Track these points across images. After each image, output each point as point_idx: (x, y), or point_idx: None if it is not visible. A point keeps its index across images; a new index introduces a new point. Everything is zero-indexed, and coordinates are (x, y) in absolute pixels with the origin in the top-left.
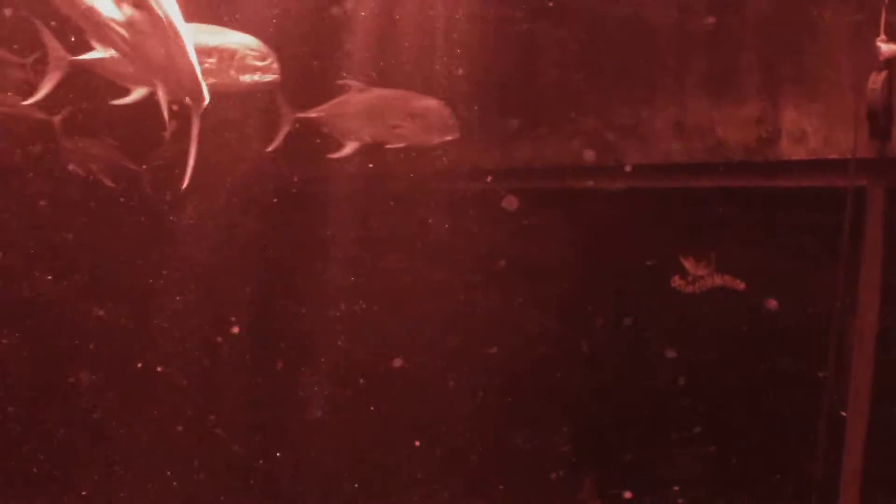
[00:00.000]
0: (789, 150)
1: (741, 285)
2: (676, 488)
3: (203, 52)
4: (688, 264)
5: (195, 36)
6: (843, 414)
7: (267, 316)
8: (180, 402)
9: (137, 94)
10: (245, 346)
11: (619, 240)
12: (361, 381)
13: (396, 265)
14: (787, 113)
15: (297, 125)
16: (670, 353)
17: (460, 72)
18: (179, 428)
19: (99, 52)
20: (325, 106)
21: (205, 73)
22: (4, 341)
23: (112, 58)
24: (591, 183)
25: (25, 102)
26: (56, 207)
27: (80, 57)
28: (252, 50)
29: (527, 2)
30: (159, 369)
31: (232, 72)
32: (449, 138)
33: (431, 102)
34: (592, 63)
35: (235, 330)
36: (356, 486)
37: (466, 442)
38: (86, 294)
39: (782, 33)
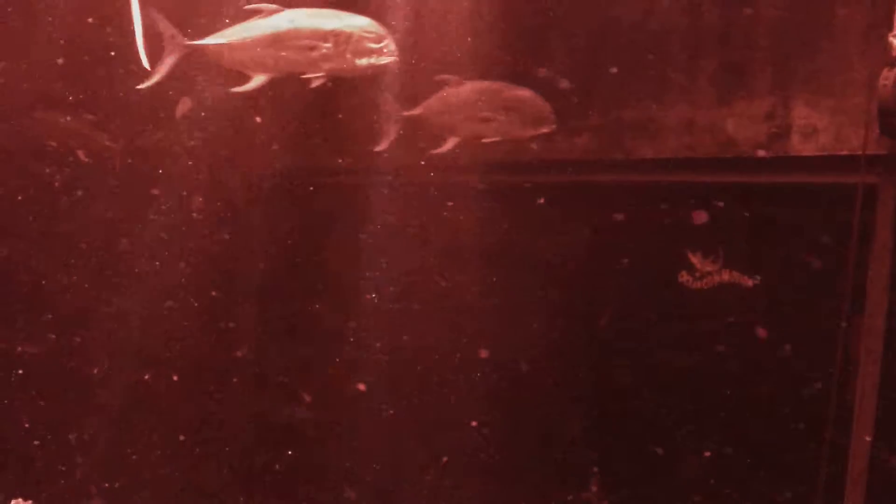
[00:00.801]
0: (799, 146)
1: (749, 281)
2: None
3: (319, 36)
4: (695, 260)
5: (310, 20)
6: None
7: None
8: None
9: (256, 81)
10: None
11: (626, 235)
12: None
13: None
14: (797, 109)
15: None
16: (679, 351)
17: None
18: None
19: (215, 38)
20: (429, 102)
21: (321, 57)
22: None
23: (229, 44)
24: (599, 177)
25: (139, 87)
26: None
27: (197, 42)
28: (368, 32)
29: None
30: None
31: (348, 55)
32: (545, 130)
33: (525, 93)
34: (603, 58)
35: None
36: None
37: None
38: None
39: (794, 29)
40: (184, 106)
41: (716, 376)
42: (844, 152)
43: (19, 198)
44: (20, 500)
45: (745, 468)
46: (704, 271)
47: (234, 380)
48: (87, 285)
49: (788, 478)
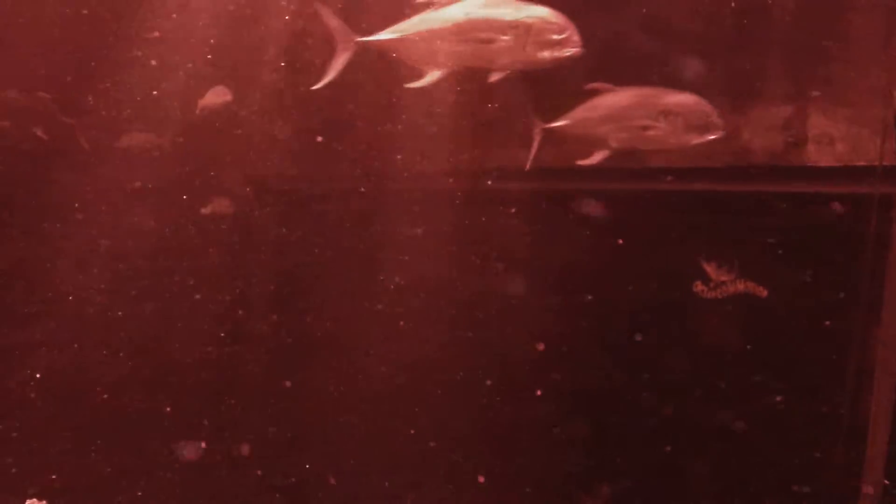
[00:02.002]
0: (816, 156)
1: (764, 292)
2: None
3: (497, 28)
4: (710, 269)
5: (487, 11)
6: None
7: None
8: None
9: (431, 76)
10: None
11: (641, 243)
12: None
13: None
14: (814, 118)
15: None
16: (692, 359)
17: None
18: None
19: (387, 33)
20: (574, 112)
21: (499, 51)
22: None
23: (401, 39)
24: (614, 185)
25: (314, 87)
26: None
27: (368, 38)
28: (549, 23)
29: None
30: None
31: (528, 48)
32: (711, 137)
33: (687, 98)
34: (614, 65)
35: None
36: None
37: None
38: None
39: (811, 38)
40: (215, 96)
41: (726, 387)
42: (861, 163)
43: None
44: (35, 500)
45: (759, 479)
46: (719, 281)
47: None
48: None
49: (805, 489)
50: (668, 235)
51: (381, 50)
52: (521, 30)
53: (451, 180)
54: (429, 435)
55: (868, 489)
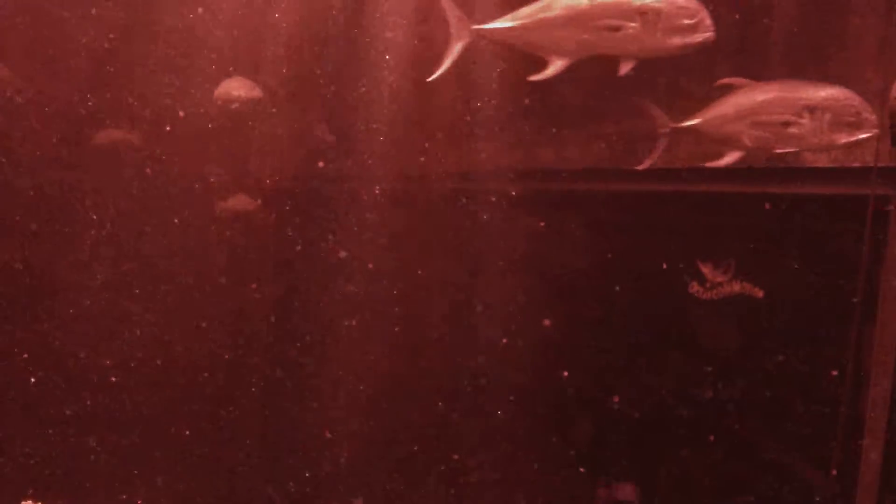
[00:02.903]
0: (811, 158)
1: (760, 293)
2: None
3: (625, 13)
4: (706, 270)
5: None
6: None
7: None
8: None
9: (555, 67)
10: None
11: (638, 244)
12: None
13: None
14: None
15: None
16: (692, 360)
17: None
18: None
19: (505, 21)
20: (706, 109)
21: (627, 38)
22: None
23: (522, 26)
24: (610, 186)
25: (429, 79)
26: None
27: (485, 26)
28: (681, 7)
29: None
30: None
31: (659, 34)
32: (862, 136)
33: (836, 91)
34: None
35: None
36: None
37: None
38: None
39: (807, 40)
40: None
41: (726, 388)
42: (856, 164)
43: None
44: (30, 501)
45: (755, 479)
46: (715, 282)
47: None
48: None
49: (801, 490)
50: (665, 236)
51: (498, 39)
52: (650, 15)
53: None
54: None
55: None
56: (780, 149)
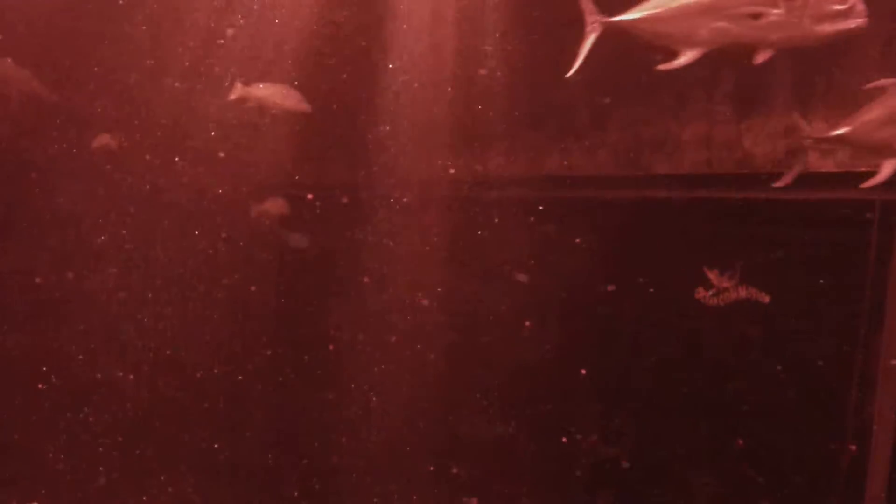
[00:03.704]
0: (817, 163)
1: (766, 298)
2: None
3: (768, 1)
4: (712, 276)
5: None
6: None
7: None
8: None
9: (686, 57)
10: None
11: (644, 250)
12: None
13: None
14: (815, 125)
15: None
16: (697, 365)
17: None
18: None
19: (638, 11)
20: (856, 116)
21: (770, 26)
22: None
23: (654, 16)
24: (618, 193)
25: (567, 75)
26: None
27: (616, 18)
28: None
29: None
30: None
31: (806, 21)
32: None
33: None
34: (621, 75)
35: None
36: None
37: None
38: None
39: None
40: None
41: (732, 394)
42: (862, 169)
43: None
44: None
45: (762, 487)
46: (721, 287)
47: None
48: None
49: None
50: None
51: (630, 30)
52: (796, 1)
53: None
54: None
55: None
56: None
